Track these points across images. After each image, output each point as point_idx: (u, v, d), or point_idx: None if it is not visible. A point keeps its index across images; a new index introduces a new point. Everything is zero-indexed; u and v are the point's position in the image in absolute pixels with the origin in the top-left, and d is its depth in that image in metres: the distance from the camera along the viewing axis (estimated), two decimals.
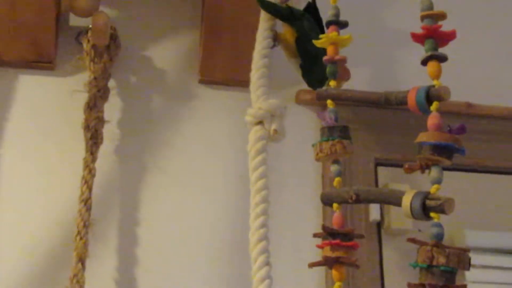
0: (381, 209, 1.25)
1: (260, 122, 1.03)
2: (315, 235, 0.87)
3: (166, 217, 1.20)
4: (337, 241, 0.84)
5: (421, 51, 0.86)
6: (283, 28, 1.15)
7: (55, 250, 1.14)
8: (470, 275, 1.21)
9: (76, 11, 1.20)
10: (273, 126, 1.02)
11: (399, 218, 1.22)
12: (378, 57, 1.38)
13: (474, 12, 1.46)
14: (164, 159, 1.24)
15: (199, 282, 1.17)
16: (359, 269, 1.16)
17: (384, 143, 1.30)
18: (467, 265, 0.73)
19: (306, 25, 1.11)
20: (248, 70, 1.09)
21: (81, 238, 1.09)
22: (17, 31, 1.21)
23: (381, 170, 1.30)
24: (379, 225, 1.26)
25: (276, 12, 1.13)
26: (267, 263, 0.95)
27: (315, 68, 1.08)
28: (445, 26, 0.86)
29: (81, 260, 1.08)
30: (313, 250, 0.94)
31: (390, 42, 1.39)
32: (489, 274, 1.24)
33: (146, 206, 1.20)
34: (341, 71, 1.03)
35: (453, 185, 1.27)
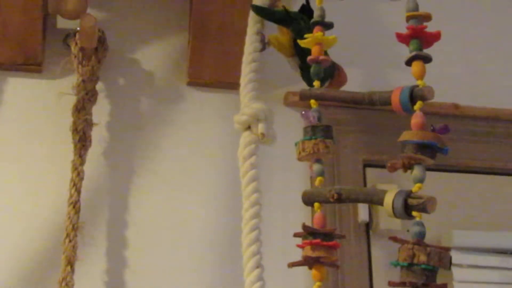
0: (370, 209, 1.25)
1: (249, 127, 1.03)
2: (295, 235, 0.87)
3: (155, 219, 1.20)
4: (318, 240, 0.83)
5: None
6: (278, 30, 1.15)
7: (44, 253, 1.14)
8: (458, 274, 1.21)
9: (63, 14, 1.19)
10: (260, 130, 1.02)
11: (388, 218, 1.22)
12: (365, 57, 1.38)
13: (462, 13, 1.46)
14: (152, 161, 1.24)
15: (188, 284, 1.17)
16: (348, 270, 1.17)
17: (372, 144, 1.30)
18: (448, 263, 0.73)
19: (303, 26, 1.11)
20: (236, 71, 1.09)
21: (70, 241, 1.09)
22: (4, 34, 1.20)
23: (370, 171, 1.30)
24: (367, 225, 1.26)
25: (271, 16, 1.13)
26: (259, 265, 0.95)
27: None
28: (432, 27, 0.86)
29: (70, 263, 1.07)
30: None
31: (378, 42, 1.39)
32: (476, 273, 1.24)
33: (135, 209, 1.20)
34: (338, 75, 1.03)
35: (441, 185, 1.29)
